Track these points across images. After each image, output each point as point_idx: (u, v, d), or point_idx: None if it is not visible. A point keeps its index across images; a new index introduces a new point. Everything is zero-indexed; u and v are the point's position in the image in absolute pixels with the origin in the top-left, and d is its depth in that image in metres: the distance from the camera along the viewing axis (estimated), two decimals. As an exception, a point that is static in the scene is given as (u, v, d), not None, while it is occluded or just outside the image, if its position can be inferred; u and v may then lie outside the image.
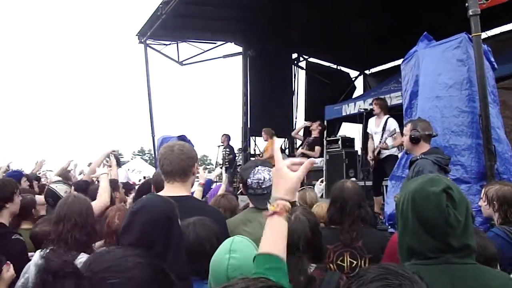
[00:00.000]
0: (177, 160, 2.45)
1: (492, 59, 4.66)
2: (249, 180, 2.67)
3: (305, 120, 13.30)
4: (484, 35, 7.38)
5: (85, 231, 2.53)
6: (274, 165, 1.49)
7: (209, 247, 1.85)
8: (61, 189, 3.73)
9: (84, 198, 2.79)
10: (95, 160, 4.87)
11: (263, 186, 2.67)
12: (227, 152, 11.06)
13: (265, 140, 10.65)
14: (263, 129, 10.80)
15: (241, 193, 6.09)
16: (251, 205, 2.80)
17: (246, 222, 2.68)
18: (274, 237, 1.33)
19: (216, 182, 5.89)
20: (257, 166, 2.72)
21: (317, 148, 9.28)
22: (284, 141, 13.46)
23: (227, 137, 11.28)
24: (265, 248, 1.30)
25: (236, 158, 11.57)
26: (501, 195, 2.95)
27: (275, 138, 9.98)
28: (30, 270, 2.49)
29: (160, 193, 2.46)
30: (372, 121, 6.83)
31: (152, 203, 1.71)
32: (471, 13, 4.07)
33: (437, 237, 1.21)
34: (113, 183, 4.31)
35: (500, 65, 5.08)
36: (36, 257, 2.51)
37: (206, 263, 1.76)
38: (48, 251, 2.45)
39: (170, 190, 2.45)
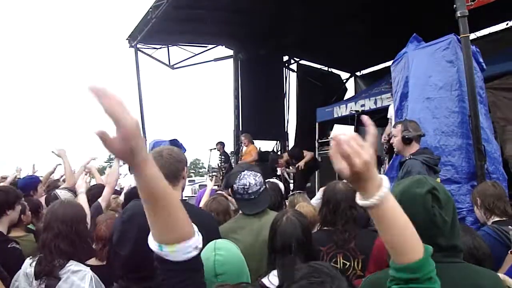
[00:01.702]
0: (167, 164, 2.44)
1: (481, 60, 4.69)
2: (235, 185, 2.69)
3: (297, 120, 13.37)
4: (472, 35, 7.47)
5: (68, 241, 2.39)
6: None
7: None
8: (65, 195, 3.64)
9: (73, 204, 2.65)
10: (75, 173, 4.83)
11: (250, 192, 2.67)
12: (222, 159, 11.11)
13: (246, 146, 10.64)
14: (243, 134, 10.85)
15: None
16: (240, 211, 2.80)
17: (236, 229, 2.69)
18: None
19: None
20: (243, 171, 2.73)
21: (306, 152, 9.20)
22: (276, 143, 13.48)
23: (222, 145, 11.32)
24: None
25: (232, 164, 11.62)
26: (481, 190, 3.17)
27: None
28: (20, 278, 2.46)
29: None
30: (391, 106, 6.83)
31: (141, 209, 1.71)
32: (459, 15, 4.11)
33: (425, 238, 1.22)
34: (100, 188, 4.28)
35: (489, 65, 5.11)
36: (25, 265, 2.48)
37: None
38: (37, 259, 2.42)
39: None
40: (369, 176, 1.08)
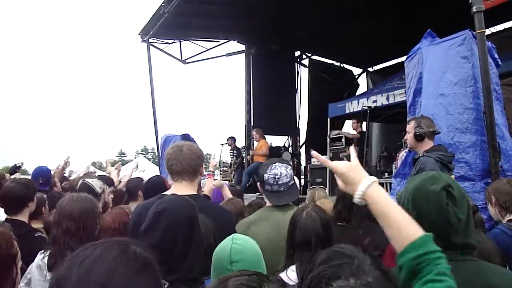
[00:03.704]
0: (187, 160, 2.45)
1: (496, 56, 4.64)
2: (265, 175, 2.69)
3: (308, 115, 13.34)
4: (488, 31, 7.37)
5: (77, 238, 2.34)
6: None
7: (207, 243, 1.88)
8: (97, 184, 3.56)
9: (83, 199, 2.55)
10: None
11: (280, 182, 2.67)
12: (234, 154, 11.12)
13: (257, 141, 10.64)
14: (254, 129, 10.82)
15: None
16: (268, 203, 2.79)
17: (258, 221, 2.69)
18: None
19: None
20: (275, 163, 2.74)
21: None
22: (287, 139, 13.47)
23: (233, 140, 11.33)
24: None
25: (243, 159, 11.64)
26: (496, 188, 3.11)
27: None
28: (32, 270, 2.47)
29: (167, 192, 2.46)
30: None
31: (176, 205, 1.74)
32: (475, 10, 4.05)
33: (438, 236, 1.22)
34: (138, 182, 4.34)
35: (504, 61, 5.06)
36: (38, 258, 2.51)
37: (204, 258, 1.80)
38: (48, 253, 2.43)
39: (178, 188, 2.45)
40: (348, 182, 1.36)
